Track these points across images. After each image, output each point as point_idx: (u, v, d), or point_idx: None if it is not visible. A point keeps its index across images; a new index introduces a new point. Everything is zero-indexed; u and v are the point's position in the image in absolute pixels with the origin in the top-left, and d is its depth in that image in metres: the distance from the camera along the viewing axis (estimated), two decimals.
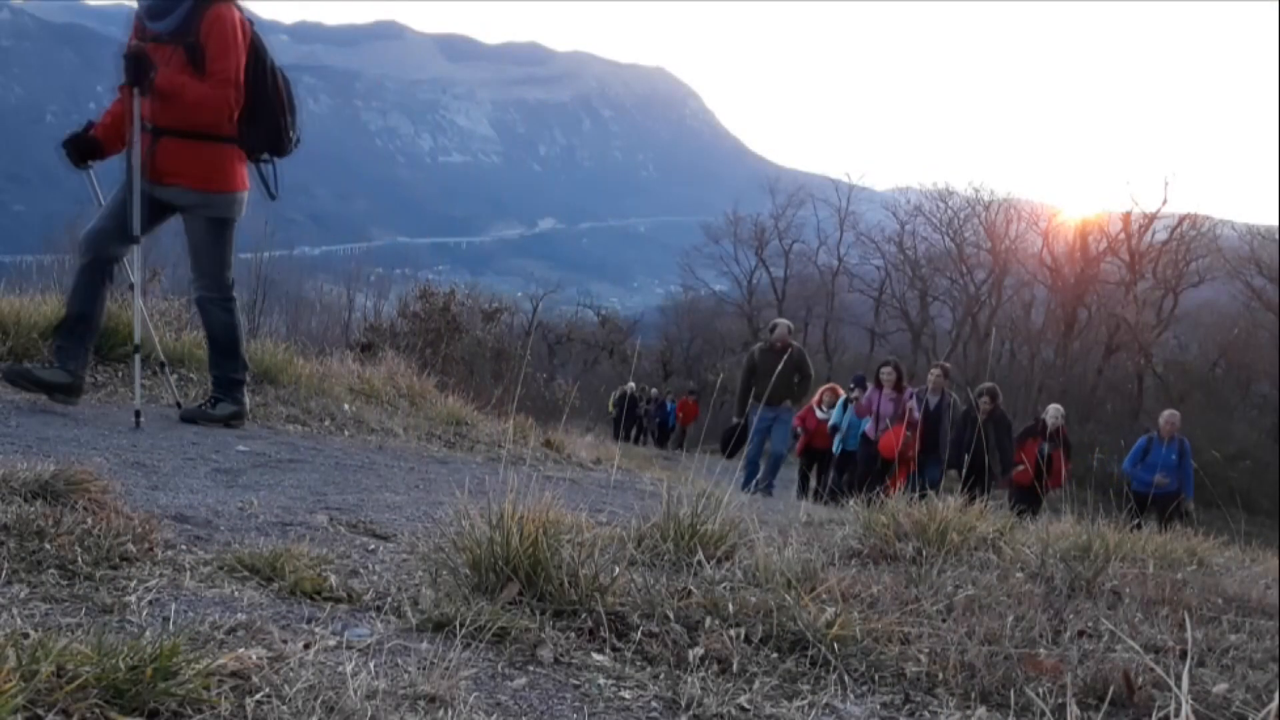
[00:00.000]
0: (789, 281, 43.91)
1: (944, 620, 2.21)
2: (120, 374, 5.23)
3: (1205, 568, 3.64)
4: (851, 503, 3.87)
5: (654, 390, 29.19)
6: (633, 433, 24.99)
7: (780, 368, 8.84)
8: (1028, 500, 8.79)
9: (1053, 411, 10.18)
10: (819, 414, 11.14)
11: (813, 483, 10.96)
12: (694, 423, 24.73)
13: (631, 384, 26.09)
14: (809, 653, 1.91)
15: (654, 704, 1.63)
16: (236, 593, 1.86)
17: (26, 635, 1.36)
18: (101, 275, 4.28)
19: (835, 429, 10.64)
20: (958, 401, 9.74)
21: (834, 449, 10.68)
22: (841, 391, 11.31)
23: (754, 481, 9.55)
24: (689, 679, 1.71)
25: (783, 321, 10.21)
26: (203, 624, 1.60)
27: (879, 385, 9.83)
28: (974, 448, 8.80)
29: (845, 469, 10.42)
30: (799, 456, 11.66)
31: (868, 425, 9.78)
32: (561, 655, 1.77)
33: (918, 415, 9.14)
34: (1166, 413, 10.55)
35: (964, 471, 8.75)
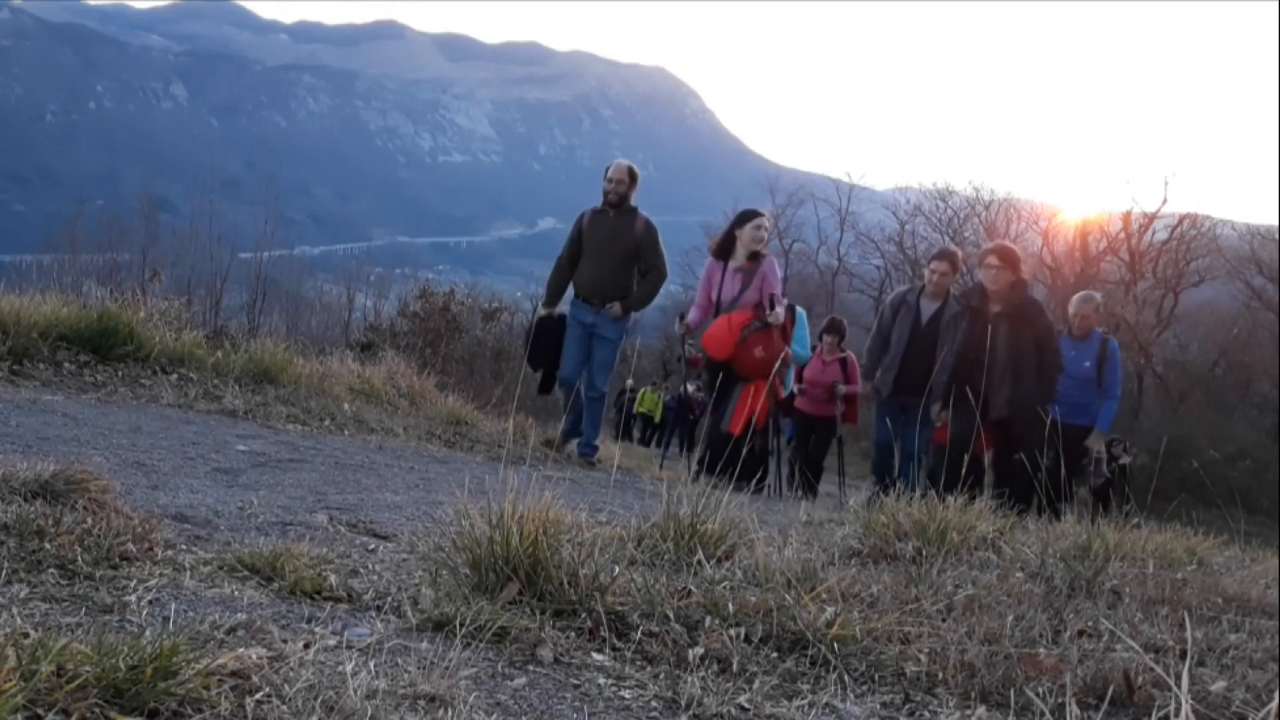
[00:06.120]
0: (789, 281, 43.81)
1: (944, 620, 2.21)
2: (120, 374, 5.23)
3: (1205, 567, 3.64)
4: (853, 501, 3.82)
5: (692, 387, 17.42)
6: (682, 445, 17.36)
7: (612, 237, 6.02)
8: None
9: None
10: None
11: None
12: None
13: (692, 385, 14.67)
14: (809, 652, 1.91)
15: (654, 704, 1.63)
16: (236, 592, 1.86)
17: (26, 635, 1.36)
18: None
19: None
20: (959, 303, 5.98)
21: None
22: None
23: (571, 437, 6.20)
24: (689, 678, 1.71)
25: (622, 161, 6.32)
26: (203, 624, 1.60)
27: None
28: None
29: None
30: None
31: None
32: (561, 655, 1.77)
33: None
34: (1079, 295, 6.89)
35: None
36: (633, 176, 6.17)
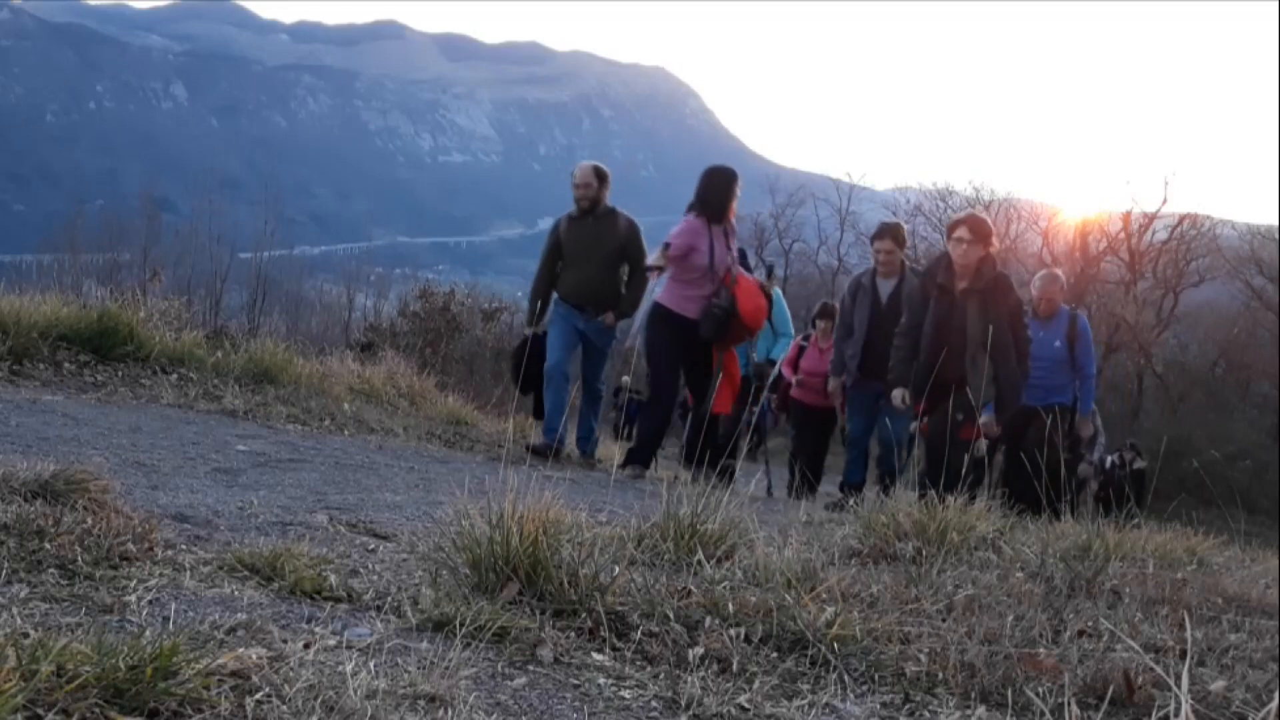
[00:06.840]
0: (789, 281, 43.90)
1: (944, 620, 2.21)
2: (120, 374, 5.23)
3: (1205, 567, 3.64)
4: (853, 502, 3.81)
5: None
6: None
7: (596, 241, 5.67)
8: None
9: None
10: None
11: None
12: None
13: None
14: (809, 652, 1.91)
15: (654, 704, 1.63)
16: (236, 592, 1.86)
17: (26, 635, 1.36)
18: None
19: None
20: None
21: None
22: None
23: (552, 439, 5.58)
24: (689, 678, 1.71)
25: (586, 163, 5.93)
26: (203, 624, 1.60)
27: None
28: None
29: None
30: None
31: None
32: (561, 655, 1.77)
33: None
34: (1040, 274, 6.51)
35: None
36: (600, 177, 5.81)
